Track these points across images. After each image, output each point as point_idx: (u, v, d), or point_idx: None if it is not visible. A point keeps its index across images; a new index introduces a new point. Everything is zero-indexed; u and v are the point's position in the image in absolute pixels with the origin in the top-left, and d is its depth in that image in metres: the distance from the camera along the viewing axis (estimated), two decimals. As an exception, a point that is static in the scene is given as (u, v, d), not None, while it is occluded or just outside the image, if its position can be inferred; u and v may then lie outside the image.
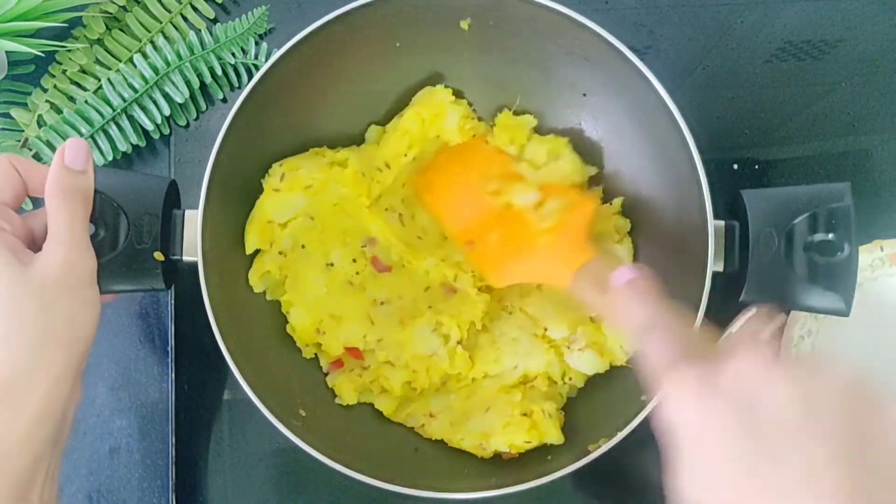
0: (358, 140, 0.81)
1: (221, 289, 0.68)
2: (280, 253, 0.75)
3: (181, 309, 0.82)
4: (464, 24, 0.75)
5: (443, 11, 0.74)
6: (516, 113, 0.81)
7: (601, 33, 0.70)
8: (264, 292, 0.76)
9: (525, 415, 0.73)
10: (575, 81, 0.78)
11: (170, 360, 0.81)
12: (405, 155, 0.79)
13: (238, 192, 0.73)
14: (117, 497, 0.80)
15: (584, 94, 0.79)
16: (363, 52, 0.76)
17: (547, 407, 0.74)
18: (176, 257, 0.67)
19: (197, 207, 0.67)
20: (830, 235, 0.66)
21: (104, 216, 0.65)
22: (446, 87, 0.80)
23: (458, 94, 0.81)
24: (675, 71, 0.90)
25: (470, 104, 0.82)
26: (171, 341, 0.81)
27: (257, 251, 0.75)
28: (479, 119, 0.82)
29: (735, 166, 0.88)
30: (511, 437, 0.71)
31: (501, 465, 0.73)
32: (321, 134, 0.79)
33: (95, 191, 0.64)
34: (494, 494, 0.65)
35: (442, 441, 0.75)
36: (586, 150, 0.81)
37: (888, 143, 0.89)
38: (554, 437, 0.72)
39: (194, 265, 0.67)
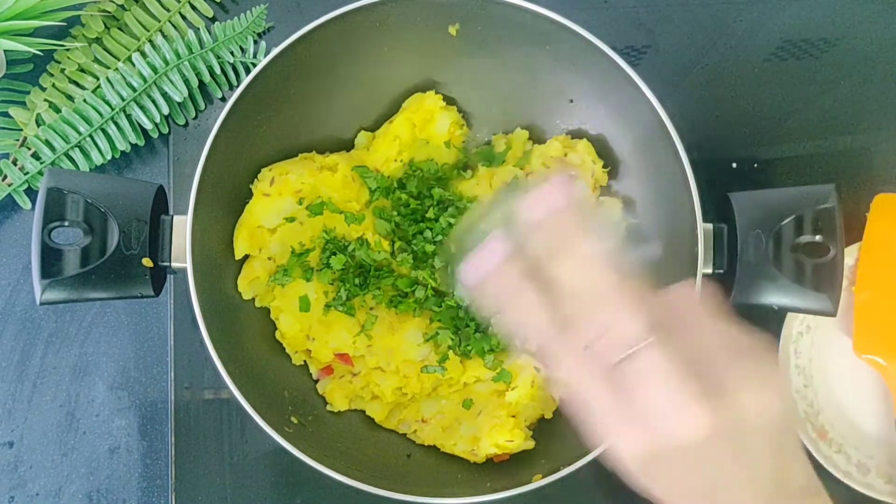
0: (348, 145, 0.81)
1: (211, 295, 0.68)
2: (269, 258, 0.75)
3: (180, 309, 0.82)
4: (452, 30, 0.75)
5: (432, 16, 0.74)
6: (505, 132, 0.82)
7: (589, 38, 0.70)
8: (253, 299, 0.76)
9: (513, 416, 0.73)
10: (561, 87, 0.78)
11: (169, 359, 0.81)
12: (395, 160, 0.79)
13: (227, 197, 0.73)
14: (117, 496, 0.80)
15: (571, 101, 0.79)
16: (354, 56, 0.76)
17: (532, 412, 0.74)
18: (165, 264, 0.67)
19: (190, 211, 0.67)
20: (817, 237, 0.66)
21: (92, 222, 0.64)
22: (436, 92, 0.80)
23: (447, 100, 0.81)
24: (674, 70, 0.90)
25: (459, 110, 0.82)
26: (171, 341, 0.81)
27: (246, 257, 0.75)
28: (469, 125, 0.83)
29: (734, 165, 0.88)
30: (495, 437, 0.71)
31: (495, 470, 0.73)
32: (311, 138, 0.79)
33: (83, 196, 0.64)
34: (489, 499, 0.65)
35: (435, 447, 0.75)
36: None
37: (887, 140, 0.89)
38: (529, 442, 0.72)
39: (183, 271, 0.66)
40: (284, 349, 0.76)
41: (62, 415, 0.81)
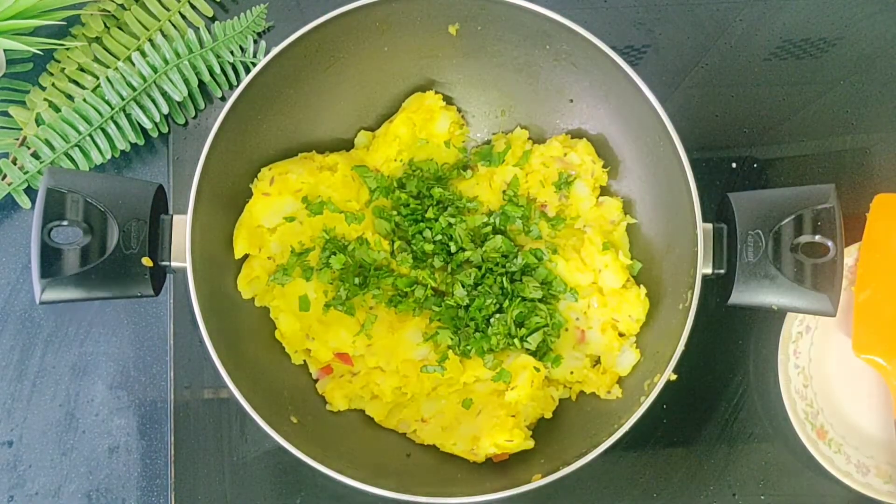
0: (348, 145, 0.81)
1: (211, 295, 0.68)
2: (269, 258, 0.75)
3: (180, 308, 0.82)
4: (452, 30, 0.75)
5: (431, 16, 0.74)
6: (505, 132, 0.82)
7: (589, 38, 0.70)
8: (253, 298, 0.76)
9: (513, 416, 0.73)
10: (561, 87, 0.78)
11: (169, 359, 0.81)
12: (395, 160, 0.79)
13: (227, 197, 0.73)
14: (116, 495, 0.80)
15: (571, 100, 0.79)
16: (354, 56, 0.76)
17: (532, 412, 0.74)
18: (164, 263, 0.67)
19: (189, 210, 0.67)
20: (817, 237, 0.66)
21: (91, 221, 0.65)
22: (436, 92, 0.80)
23: (447, 100, 0.81)
24: (674, 69, 0.90)
25: (459, 110, 0.82)
26: (171, 341, 0.81)
27: (246, 256, 0.75)
28: (468, 125, 0.83)
29: (734, 165, 0.88)
30: (495, 437, 0.71)
31: (494, 469, 0.73)
32: (311, 138, 0.79)
33: (83, 196, 0.64)
34: (488, 499, 0.65)
35: (434, 446, 0.75)
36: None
37: (886, 140, 0.89)
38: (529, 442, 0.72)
39: (183, 271, 0.66)
40: (284, 349, 0.76)
41: (61, 414, 0.81)
